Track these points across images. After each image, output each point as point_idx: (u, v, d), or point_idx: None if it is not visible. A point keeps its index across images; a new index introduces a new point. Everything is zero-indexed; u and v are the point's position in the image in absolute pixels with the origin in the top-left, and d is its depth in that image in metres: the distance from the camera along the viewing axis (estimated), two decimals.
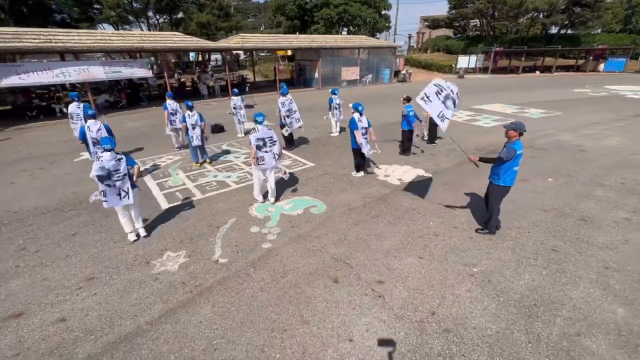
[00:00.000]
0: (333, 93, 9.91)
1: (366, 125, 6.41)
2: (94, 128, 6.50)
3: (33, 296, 3.69)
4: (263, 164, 5.44)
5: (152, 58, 22.41)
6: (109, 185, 4.27)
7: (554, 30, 36.30)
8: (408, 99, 8.05)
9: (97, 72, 14.06)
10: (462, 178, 6.69)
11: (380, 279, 3.83)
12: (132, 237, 4.67)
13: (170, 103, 8.58)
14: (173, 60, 31.89)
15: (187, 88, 20.93)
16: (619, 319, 3.20)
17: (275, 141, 5.52)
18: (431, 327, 3.14)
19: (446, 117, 4.82)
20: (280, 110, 8.49)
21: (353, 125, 6.31)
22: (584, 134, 9.75)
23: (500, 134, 9.28)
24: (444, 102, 4.92)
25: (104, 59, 18.64)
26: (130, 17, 24.62)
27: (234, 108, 10.10)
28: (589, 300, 3.44)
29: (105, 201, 4.30)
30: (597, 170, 6.93)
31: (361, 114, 6.37)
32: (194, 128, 7.51)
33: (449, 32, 44.07)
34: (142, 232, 4.76)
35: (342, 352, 2.92)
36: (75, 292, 3.75)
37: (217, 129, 11.16)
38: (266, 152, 5.42)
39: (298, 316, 3.32)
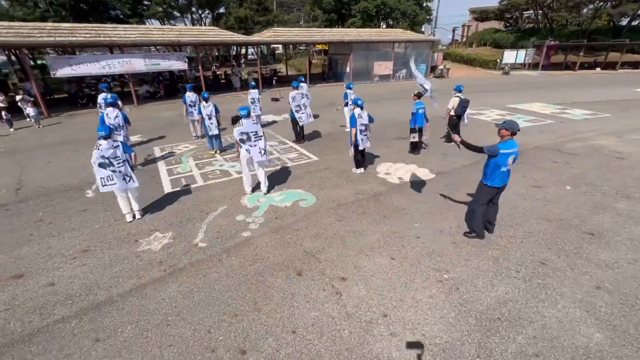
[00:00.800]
0: (348, 88, 9.81)
1: (366, 122, 6.29)
2: (112, 115, 7.10)
3: (35, 261, 4.20)
4: (263, 157, 5.59)
5: (188, 50, 23.56)
6: (114, 171, 4.68)
7: (623, 22, 32.23)
8: (419, 95, 7.72)
9: (138, 64, 15.19)
10: (466, 180, 6.32)
11: (344, 276, 3.80)
12: (129, 217, 5.09)
13: (189, 95, 9.08)
14: (215, 54, 33.44)
15: (222, 80, 21.84)
16: (593, 345, 2.88)
17: (261, 136, 5.60)
18: (378, 329, 3.07)
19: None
20: (289, 104, 8.65)
21: (353, 121, 6.24)
22: (629, 140, 8.65)
23: (527, 136, 8.66)
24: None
25: (156, 51, 20.13)
26: (175, 12, 26.26)
27: (252, 102, 10.39)
28: (564, 321, 3.13)
29: (114, 184, 4.70)
30: (629, 180, 6.15)
31: (362, 109, 6.26)
32: (209, 118, 7.91)
33: (499, 24, 41.05)
34: (138, 215, 5.16)
35: (282, 342, 2.97)
36: (69, 261, 4.19)
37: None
38: (251, 145, 5.52)
39: (252, 303, 3.43)
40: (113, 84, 19.92)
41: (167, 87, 17.92)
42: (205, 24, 30.48)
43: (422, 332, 3.03)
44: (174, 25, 25.47)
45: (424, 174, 6.73)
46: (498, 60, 28.53)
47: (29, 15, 17.26)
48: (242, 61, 24.80)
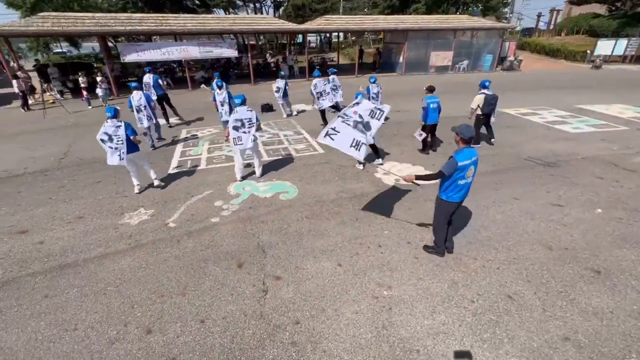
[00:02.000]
0: (371, 81, 9.29)
1: (366, 120, 5.90)
2: (136, 97, 7.81)
3: (41, 221, 4.93)
4: (240, 143, 5.71)
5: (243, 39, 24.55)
6: (111, 148, 5.24)
7: None
8: (430, 89, 6.99)
9: (193, 51, 16.42)
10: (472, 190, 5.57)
11: (281, 275, 3.71)
12: (136, 189, 5.70)
13: (218, 82, 9.55)
14: (279, 42, 34.50)
15: (273, 68, 22.47)
16: None
17: (254, 124, 5.71)
18: (281, 336, 2.95)
19: (363, 143, 4.35)
20: (312, 92, 8.74)
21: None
22: None
23: (581, 143, 7.36)
24: (355, 128, 4.42)
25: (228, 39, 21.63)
26: (238, 1, 27.61)
27: (276, 90, 10.53)
28: None
29: (113, 158, 5.31)
30: None
31: (359, 102, 5.89)
32: (222, 105, 8.28)
33: (600, 8, 34.54)
34: (156, 182, 5.83)
35: (186, 329, 3.04)
36: (64, 225, 4.84)
37: (266, 108, 11.85)
38: (244, 132, 5.68)
39: (182, 287, 3.56)
40: (178, 69, 21.97)
41: (220, 73, 19.07)
42: (268, 13, 31.48)
43: (324, 348, 2.82)
44: (237, 14, 26.84)
45: None
46: (588, 52, 24.13)
47: (113, 6, 19.83)
48: (291, 49, 25.08)
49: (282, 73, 10.84)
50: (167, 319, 3.17)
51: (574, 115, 10.32)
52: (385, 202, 5.28)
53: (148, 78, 9.41)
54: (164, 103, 9.97)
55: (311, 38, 35.87)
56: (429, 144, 7.38)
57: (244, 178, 6.17)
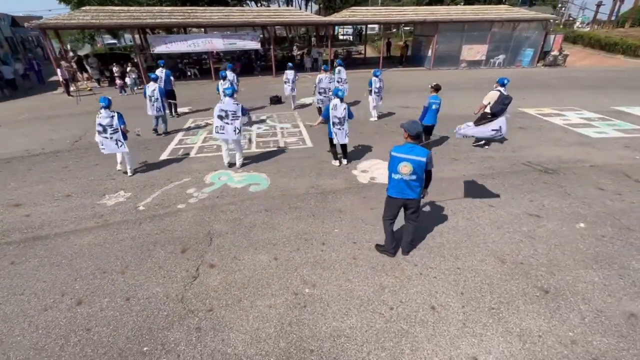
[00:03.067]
0: (375, 75, 9.02)
1: (340, 115, 5.81)
2: (151, 87, 8.29)
3: (35, 197, 5.51)
4: (222, 133, 5.91)
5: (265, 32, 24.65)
6: (105, 138, 5.71)
7: None
8: (436, 88, 6.66)
9: (218, 43, 16.97)
10: (447, 193, 5.29)
11: (216, 263, 3.83)
12: (119, 167, 6.26)
13: (228, 74, 9.85)
14: (305, 34, 34.47)
15: (297, 61, 22.56)
16: None
17: (238, 117, 5.87)
18: (191, 320, 3.07)
19: None
20: (315, 85, 8.75)
21: (325, 112, 5.88)
22: None
23: (599, 149, 6.76)
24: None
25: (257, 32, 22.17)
26: None
27: (285, 82, 10.61)
28: None
29: (103, 148, 5.77)
30: None
31: (342, 101, 5.80)
32: (225, 96, 8.54)
33: None
34: (129, 173, 6.16)
35: (111, 305, 3.28)
36: (52, 201, 5.36)
37: (275, 100, 12.00)
38: (227, 123, 5.86)
39: (125, 266, 3.82)
40: (206, 61, 22.81)
41: (243, 65, 19.58)
42: (300, 6, 31.52)
43: (224, 337, 2.90)
44: (269, 7, 27.16)
45: None
46: None
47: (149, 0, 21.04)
48: (316, 43, 24.86)
49: (290, 64, 10.87)
50: (100, 293, 3.43)
51: (605, 118, 9.24)
52: (350, 200, 5.19)
53: (160, 72, 9.93)
54: (170, 97, 10.43)
55: (348, 30, 35.38)
56: (426, 144, 7.03)
57: (231, 165, 6.40)
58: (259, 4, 26.73)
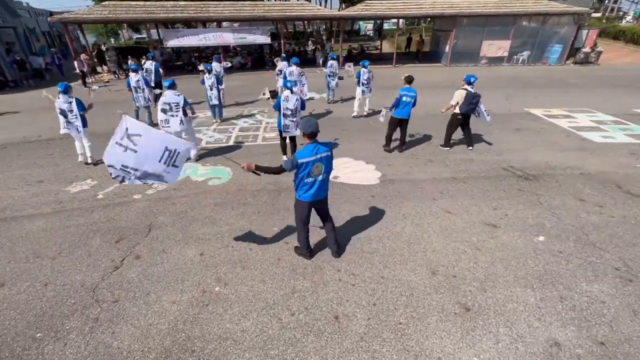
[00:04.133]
0: (362, 66, 8.70)
1: (292, 107, 5.65)
2: (135, 79, 8.51)
3: (12, 181, 5.81)
4: (168, 126, 5.95)
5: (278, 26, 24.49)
6: (68, 122, 5.94)
7: None
8: (408, 80, 6.33)
9: (228, 37, 17.20)
10: (406, 197, 4.99)
11: (143, 255, 3.85)
12: (80, 158, 6.37)
13: (207, 66, 9.93)
14: (325, 29, 34.09)
15: (309, 55, 22.38)
16: None
17: (180, 108, 5.91)
18: (92, 310, 3.09)
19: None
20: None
21: (277, 104, 5.74)
22: None
23: (599, 155, 6.22)
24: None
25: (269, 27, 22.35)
26: None
27: (277, 73, 10.53)
28: None
29: (68, 129, 6.01)
30: None
31: (292, 92, 5.64)
32: (211, 89, 8.63)
33: None
34: (89, 160, 6.37)
35: (29, 289, 3.37)
36: (24, 186, 5.64)
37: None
38: (172, 115, 5.89)
39: (58, 252, 3.93)
40: (218, 56, 23.19)
41: (254, 59, 19.73)
42: (320, 1, 31.19)
43: (115, 330, 2.89)
44: (287, 0, 27.08)
45: (367, 178, 5.63)
46: None
47: None
48: (324, 36, 24.49)
49: (284, 55, 10.76)
50: (25, 277, 3.55)
51: (619, 121, 8.36)
52: None
53: (150, 65, 10.18)
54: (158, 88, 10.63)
55: (370, 25, 34.68)
56: (401, 142, 6.69)
57: (199, 158, 6.48)
58: None
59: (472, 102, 6.10)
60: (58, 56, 16.58)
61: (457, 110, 6.31)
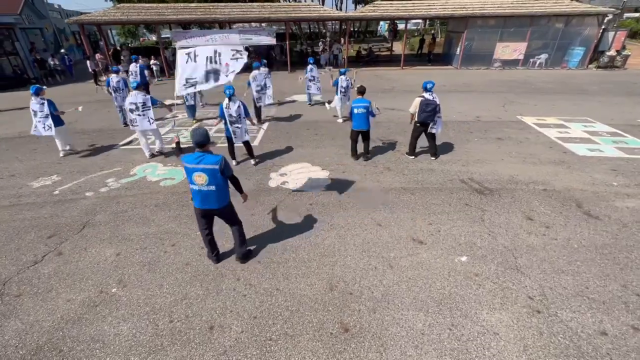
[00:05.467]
0: (341, 73, 8.56)
1: (235, 114, 5.65)
2: (115, 80, 8.85)
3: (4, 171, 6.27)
4: (136, 125, 6.18)
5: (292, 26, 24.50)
6: (38, 121, 6.33)
7: None
8: (360, 91, 6.27)
9: (234, 38, 17.48)
10: (345, 207, 4.87)
11: (66, 252, 4.00)
12: (62, 153, 6.80)
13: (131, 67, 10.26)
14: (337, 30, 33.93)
15: (317, 56, 22.34)
16: None
17: (149, 107, 6.12)
18: (10, 299, 3.27)
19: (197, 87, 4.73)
20: (250, 84, 8.56)
21: (220, 111, 5.76)
22: None
23: (576, 170, 5.86)
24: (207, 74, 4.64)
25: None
26: None
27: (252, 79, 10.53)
28: None
29: (35, 130, 6.40)
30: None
31: (230, 100, 5.65)
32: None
33: None
34: (61, 154, 6.82)
35: None
36: (7, 178, 6.05)
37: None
38: (139, 115, 6.13)
39: (12, 242, 4.19)
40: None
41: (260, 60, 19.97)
42: (336, 3, 31.08)
43: (1, 325, 3.04)
44: (299, 1, 27.23)
45: (317, 184, 5.54)
46: None
47: None
48: (327, 38, 24.22)
49: (257, 64, 10.78)
50: None
51: (617, 133, 7.69)
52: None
53: (134, 67, 10.54)
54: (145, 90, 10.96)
55: (383, 27, 34.14)
56: (364, 152, 6.49)
57: (153, 156, 6.71)
58: (289, 0, 26.90)
59: (426, 110, 5.83)
60: (68, 57, 17.56)
61: (416, 119, 6.06)
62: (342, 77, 8.47)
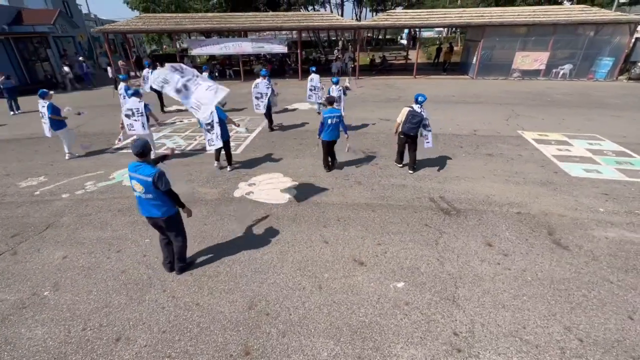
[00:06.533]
0: (333, 83, 8.48)
1: (210, 120, 5.72)
2: (124, 88, 9.33)
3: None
4: (133, 130, 6.47)
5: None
6: (44, 122, 6.79)
7: None
8: (329, 101, 6.17)
9: (247, 47, 17.98)
10: (299, 219, 4.78)
11: (20, 252, 4.20)
12: (67, 156, 7.27)
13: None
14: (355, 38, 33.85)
15: (329, 65, 22.36)
16: None
17: (143, 113, 6.38)
18: None
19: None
20: (252, 90, 8.70)
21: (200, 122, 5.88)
22: None
23: (560, 193, 5.42)
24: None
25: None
26: None
27: (254, 86, 10.69)
28: None
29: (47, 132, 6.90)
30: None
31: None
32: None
33: None
34: (67, 157, 7.22)
35: None
36: (0, 177, 6.51)
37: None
38: (135, 120, 6.40)
39: None
40: (250, 63, 24.27)
41: (274, 68, 20.33)
42: (354, 11, 31.08)
43: None
44: (318, 10, 27.46)
45: (278, 197, 5.48)
46: None
47: (204, 6, 23.30)
48: (340, 45, 24.11)
49: (206, 66, 10.92)
50: None
51: (623, 152, 7.03)
52: (199, 211, 5.07)
53: (147, 72, 11.02)
54: (158, 95, 11.35)
55: (403, 35, 33.72)
56: (325, 160, 6.40)
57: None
58: (307, 9, 27.27)
59: (411, 122, 5.64)
60: (86, 64, 18.64)
61: (400, 129, 5.89)
62: (334, 86, 8.42)
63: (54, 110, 6.85)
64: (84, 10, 27.99)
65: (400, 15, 18.43)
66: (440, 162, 6.72)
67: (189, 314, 3.21)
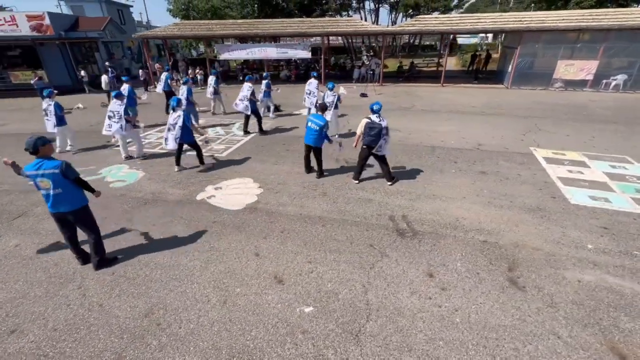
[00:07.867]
0: (329, 88, 8.28)
1: (172, 122, 5.94)
2: (123, 88, 9.93)
3: None
4: (110, 130, 6.90)
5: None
6: (48, 119, 7.47)
7: None
8: (321, 108, 5.97)
9: (271, 52, 18.41)
10: (244, 228, 4.66)
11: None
12: (68, 149, 7.90)
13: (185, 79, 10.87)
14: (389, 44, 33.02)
15: (349, 70, 21.98)
16: None
17: (122, 116, 6.74)
18: None
19: None
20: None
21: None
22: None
23: (546, 222, 4.83)
24: None
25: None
26: (354, 3, 27.57)
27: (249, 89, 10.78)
28: None
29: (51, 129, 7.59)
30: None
31: (174, 110, 5.92)
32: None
33: None
34: (69, 148, 7.91)
35: None
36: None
37: (276, 108, 12.27)
38: (114, 122, 6.83)
39: None
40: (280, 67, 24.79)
41: (298, 73, 20.54)
42: (390, 16, 30.40)
43: None
44: (351, 17, 27.23)
45: (236, 203, 5.41)
46: None
47: (239, 13, 24.25)
48: (363, 51, 23.42)
49: (215, 71, 11.01)
50: None
51: (623, 174, 5.94)
52: (156, 212, 5.17)
53: (163, 75, 11.64)
54: (167, 96, 11.86)
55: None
56: (317, 169, 6.23)
57: (128, 158, 7.36)
58: (342, 15, 27.23)
59: (370, 134, 5.29)
60: (112, 69, 20.11)
61: (362, 141, 5.56)
62: (329, 92, 8.23)
63: (59, 108, 7.50)
64: (144, 19, 30.67)
65: (428, 21, 17.64)
66: (423, 177, 6.21)
67: (87, 314, 3.23)
